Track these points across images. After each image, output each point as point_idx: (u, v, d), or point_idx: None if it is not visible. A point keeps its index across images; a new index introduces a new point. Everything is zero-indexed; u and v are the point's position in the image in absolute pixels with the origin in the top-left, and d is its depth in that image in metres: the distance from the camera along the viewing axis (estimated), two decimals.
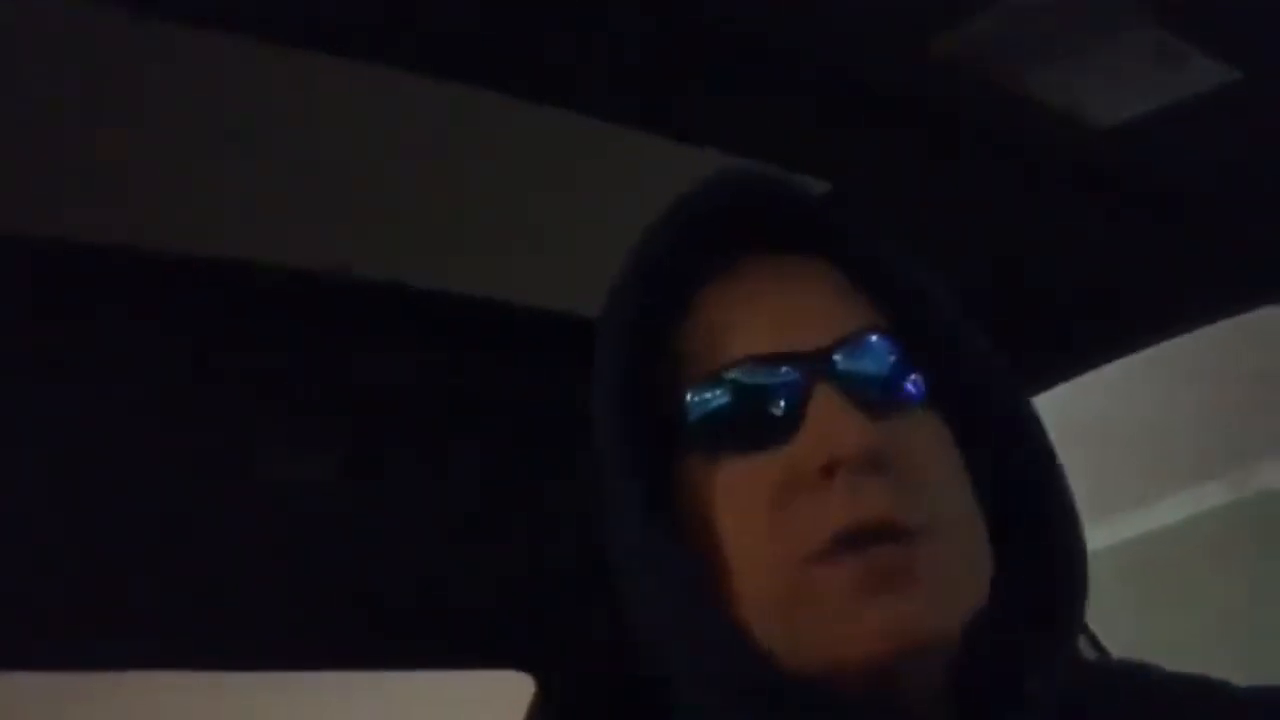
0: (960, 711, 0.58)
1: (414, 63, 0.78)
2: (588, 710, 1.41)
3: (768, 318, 0.60)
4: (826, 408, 0.56)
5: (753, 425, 0.58)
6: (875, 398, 0.58)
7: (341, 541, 1.26)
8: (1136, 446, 3.38)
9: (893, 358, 0.60)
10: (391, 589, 1.37)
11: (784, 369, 0.58)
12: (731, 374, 0.58)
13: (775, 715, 0.57)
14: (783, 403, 0.57)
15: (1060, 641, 0.60)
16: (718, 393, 0.58)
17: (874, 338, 0.60)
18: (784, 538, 0.56)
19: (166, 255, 0.90)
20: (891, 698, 0.56)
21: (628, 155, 0.90)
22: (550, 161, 0.91)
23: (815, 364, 0.57)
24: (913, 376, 0.60)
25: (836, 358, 0.58)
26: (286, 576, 1.28)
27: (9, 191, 0.83)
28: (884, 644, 0.53)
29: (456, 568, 1.36)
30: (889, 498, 0.55)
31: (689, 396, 0.59)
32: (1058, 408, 0.87)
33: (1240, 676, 0.66)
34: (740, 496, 0.57)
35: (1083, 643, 1.45)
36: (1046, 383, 1.20)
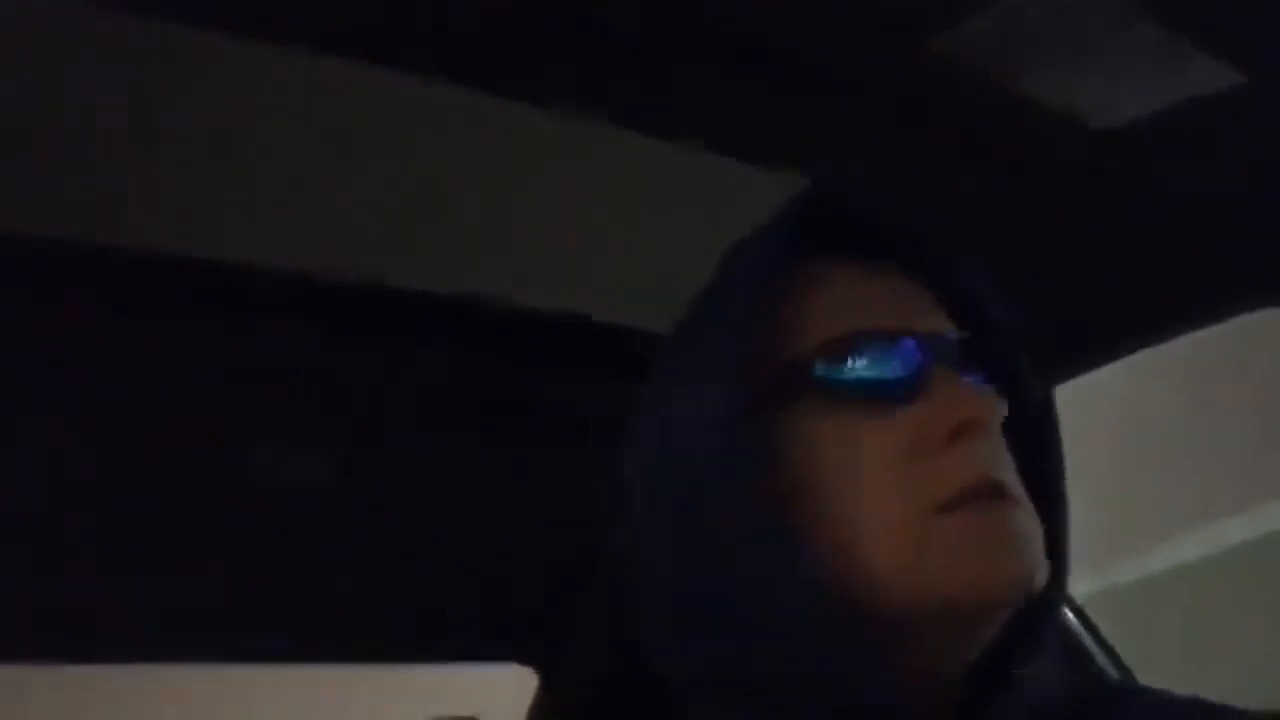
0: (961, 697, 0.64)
1: (414, 64, 0.78)
2: (591, 704, 1.41)
3: (885, 299, 0.67)
4: (949, 380, 0.63)
5: (881, 389, 0.64)
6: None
7: (343, 538, 1.26)
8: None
9: (971, 359, 0.67)
10: (393, 584, 1.37)
11: (911, 342, 0.64)
12: (863, 340, 0.64)
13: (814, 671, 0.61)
14: (909, 372, 0.64)
15: (1041, 627, 0.65)
16: (851, 355, 0.64)
17: (958, 338, 0.67)
18: (912, 489, 0.61)
19: (166, 255, 0.90)
20: (953, 658, 0.62)
21: (627, 156, 0.90)
22: (551, 163, 0.91)
23: (935, 343, 0.65)
24: (981, 378, 0.67)
25: (954, 341, 0.66)
26: (287, 572, 1.28)
27: (9, 191, 0.83)
28: (1010, 588, 0.60)
29: (458, 563, 1.36)
30: (1001, 465, 0.63)
31: (820, 356, 0.64)
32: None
33: None
34: (864, 451, 0.63)
35: (1108, 664, 1.45)
36: (1045, 384, 1.20)
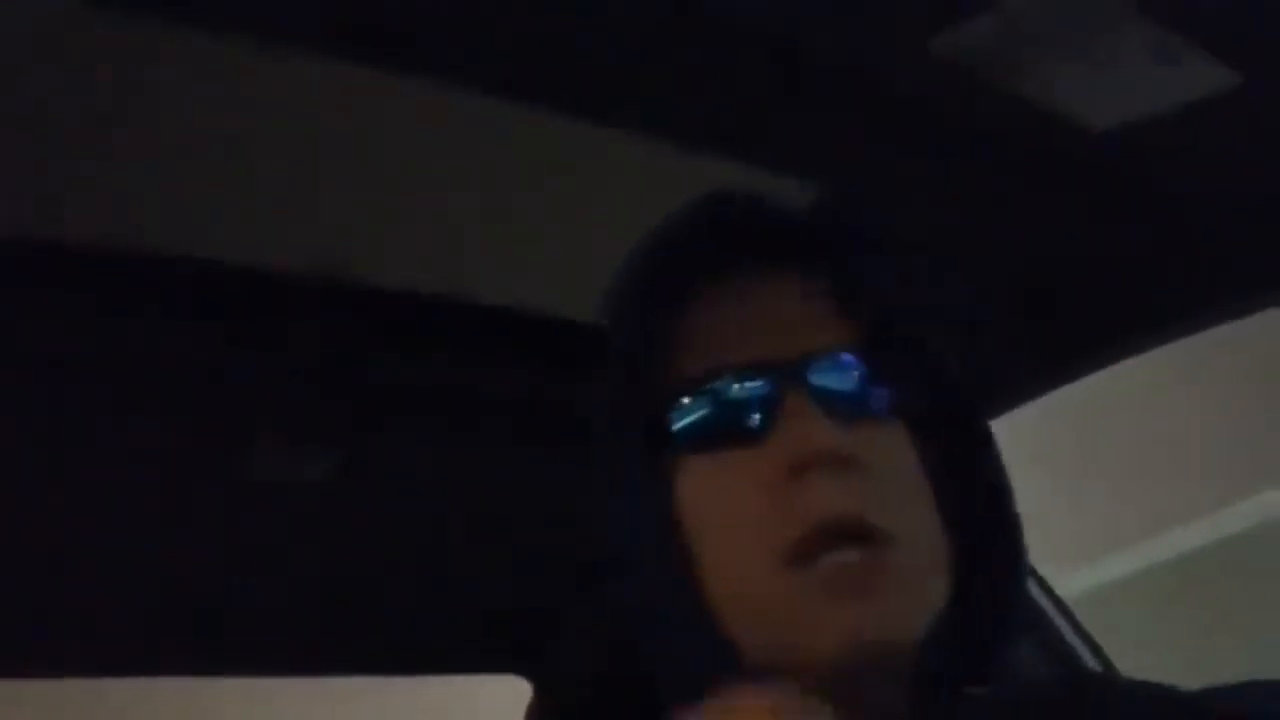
0: (911, 712, 0.62)
1: (416, 65, 0.78)
2: (589, 705, 1.41)
3: (745, 329, 0.64)
4: (796, 414, 0.60)
5: (728, 431, 0.62)
6: (842, 409, 0.61)
7: (340, 544, 1.26)
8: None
9: (860, 373, 0.63)
10: (390, 592, 1.37)
11: (758, 378, 0.62)
12: (709, 382, 0.63)
13: None
14: (756, 410, 0.61)
15: (992, 649, 0.64)
16: (697, 399, 0.63)
17: (843, 355, 0.63)
18: (755, 538, 0.59)
19: (167, 255, 0.90)
20: (853, 697, 0.59)
21: (627, 157, 0.90)
22: (549, 164, 0.91)
23: (787, 373, 0.62)
24: (880, 391, 0.63)
25: (807, 369, 0.62)
26: (286, 580, 1.28)
27: (9, 191, 0.83)
28: (845, 647, 0.57)
29: (455, 571, 1.36)
30: (855, 498, 0.59)
31: (672, 403, 0.63)
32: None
33: None
34: (716, 498, 0.61)
35: (1090, 658, 1.45)
36: (1044, 386, 1.20)
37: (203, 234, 0.91)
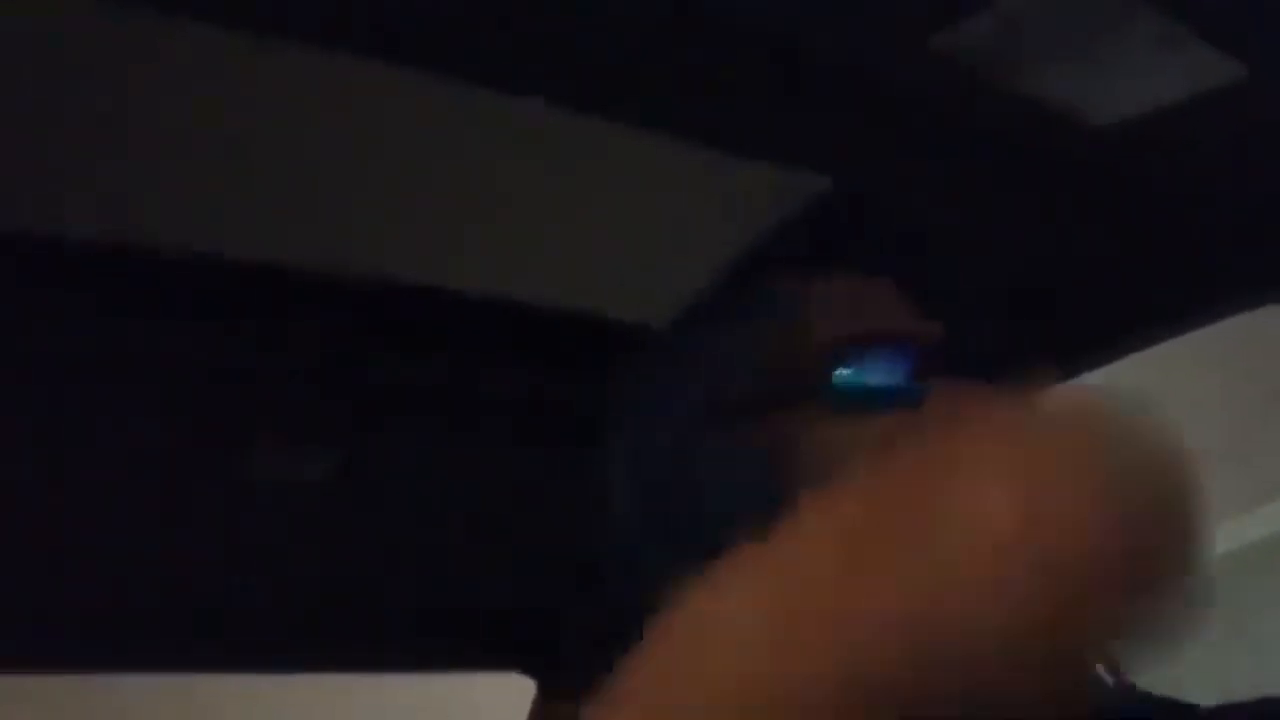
0: None
1: (417, 62, 0.78)
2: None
3: (885, 306, 0.70)
4: (949, 385, 0.65)
5: (886, 390, 0.66)
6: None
7: (341, 543, 1.26)
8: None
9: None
10: (391, 590, 1.37)
11: (909, 347, 0.68)
12: (869, 347, 0.67)
13: None
14: (913, 374, 0.66)
15: None
16: (860, 359, 0.67)
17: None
18: None
19: (167, 255, 0.90)
20: None
21: (626, 156, 0.90)
22: (550, 161, 0.91)
23: (929, 347, 0.68)
24: None
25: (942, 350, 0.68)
26: (287, 578, 1.28)
27: (9, 191, 0.83)
28: None
29: (457, 569, 1.35)
30: None
31: (827, 362, 0.67)
32: None
33: None
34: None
35: (1104, 669, 1.45)
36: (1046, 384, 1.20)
37: (203, 233, 0.91)
